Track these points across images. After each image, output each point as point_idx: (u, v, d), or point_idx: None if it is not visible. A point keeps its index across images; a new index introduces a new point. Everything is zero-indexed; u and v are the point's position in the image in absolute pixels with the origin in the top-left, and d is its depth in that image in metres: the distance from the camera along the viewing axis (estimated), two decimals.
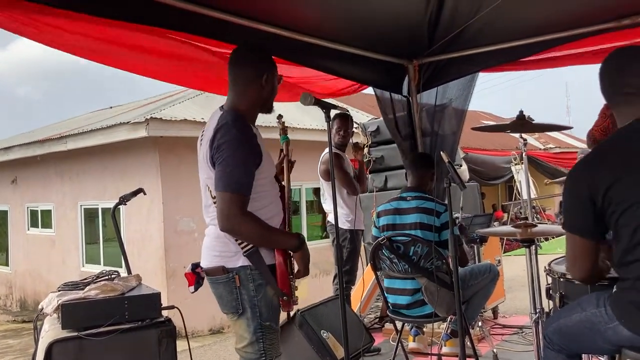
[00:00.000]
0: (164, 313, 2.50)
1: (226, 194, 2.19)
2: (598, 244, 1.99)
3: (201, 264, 2.41)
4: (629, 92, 1.98)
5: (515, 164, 9.84)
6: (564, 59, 4.38)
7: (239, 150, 2.21)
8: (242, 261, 2.29)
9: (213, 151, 2.24)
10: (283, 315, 2.86)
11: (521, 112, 2.64)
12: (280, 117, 2.77)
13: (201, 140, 2.40)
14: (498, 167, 12.86)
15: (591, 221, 1.95)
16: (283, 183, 2.57)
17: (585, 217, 1.96)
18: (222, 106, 2.42)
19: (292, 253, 2.40)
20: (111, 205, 3.52)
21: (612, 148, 2.00)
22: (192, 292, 2.47)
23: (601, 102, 3.90)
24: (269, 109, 2.48)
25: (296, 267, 2.44)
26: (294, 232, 2.46)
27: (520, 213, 3.11)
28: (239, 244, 2.28)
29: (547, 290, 2.46)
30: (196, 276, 2.44)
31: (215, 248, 2.34)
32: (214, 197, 2.31)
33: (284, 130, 2.75)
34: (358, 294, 4.89)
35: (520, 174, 7.09)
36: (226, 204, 2.19)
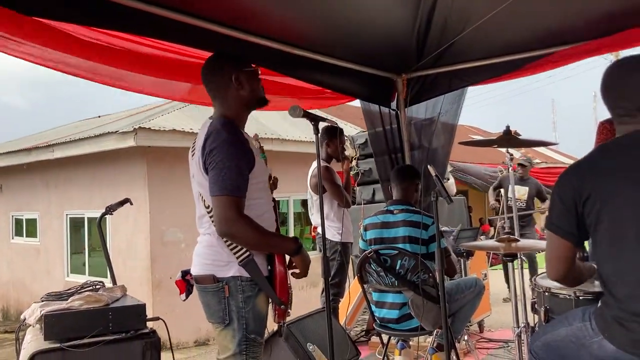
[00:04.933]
0: (149, 324, 2.48)
1: (222, 198, 2.18)
2: (577, 247, 2.01)
3: (191, 271, 2.40)
4: (620, 114, 2.01)
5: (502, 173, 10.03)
6: (549, 64, 4.41)
7: (231, 153, 2.22)
8: (233, 272, 2.28)
9: (205, 157, 2.24)
10: (272, 326, 2.84)
11: (508, 127, 2.66)
12: (256, 136, 2.78)
13: (192, 150, 2.40)
14: (484, 176, 13.02)
15: (573, 224, 1.97)
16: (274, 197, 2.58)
17: (568, 219, 1.98)
18: (211, 116, 2.43)
19: (291, 259, 2.40)
20: (97, 214, 3.48)
21: (604, 156, 2.01)
22: (184, 300, 2.46)
23: (586, 119, 3.99)
24: (260, 104, 2.49)
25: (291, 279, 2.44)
26: (291, 237, 2.46)
27: (504, 228, 3.13)
28: (234, 253, 2.27)
29: (532, 304, 2.47)
30: (186, 284, 2.44)
31: (207, 256, 2.33)
32: (207, 207, 2.30)
33: (261, 149, 2.74)
34: (345, 307, 4.88)
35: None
36: (222, 207, 2.18)
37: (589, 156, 2.04)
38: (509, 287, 6.92)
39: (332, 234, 4.49)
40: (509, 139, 2.63)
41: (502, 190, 7.47)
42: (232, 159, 2.21)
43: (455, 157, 12.19)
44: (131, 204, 3.40)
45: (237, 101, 2.41)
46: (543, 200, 7.36)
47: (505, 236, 2.37)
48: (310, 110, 2.50)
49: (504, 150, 3.13)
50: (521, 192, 7.22)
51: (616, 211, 1.89)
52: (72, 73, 3.08)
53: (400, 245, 3.37)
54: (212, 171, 2.21)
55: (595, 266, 2.15)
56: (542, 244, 2.63)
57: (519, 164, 7.42)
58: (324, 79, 4.34)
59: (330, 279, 3.86)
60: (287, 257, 2.44)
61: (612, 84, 2.07)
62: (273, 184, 2.69)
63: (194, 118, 8.83)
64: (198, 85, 3.70)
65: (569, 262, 2.02)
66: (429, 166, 2.67)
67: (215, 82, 2.42)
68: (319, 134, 2.58)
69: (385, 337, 3.75)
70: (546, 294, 2.32)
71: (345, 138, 5.67)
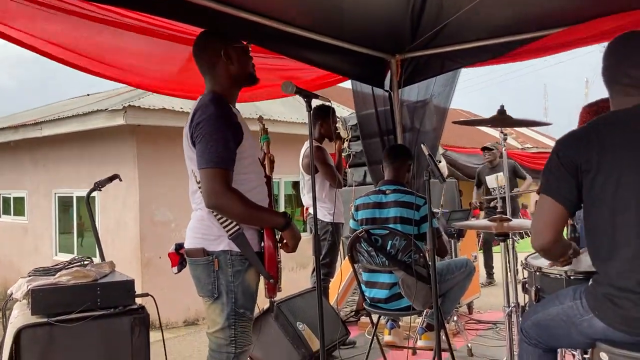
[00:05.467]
0: (138, 301, 2.46)
1: (209, 170, 2.18)
2: (569, 215, 1.97)
3: (184, 245, 2.40)
4: (627, 83, 1.96)
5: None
6: (545, 49, 4.39)
7: (217, 126, 2.21)
8: (223, 246, 2.28)
9: (192, 130, 2.24)
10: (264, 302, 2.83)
11: (502, 106, 2.64)
12: (261, 118, 2.81)
13: (185, 127, 2.39)
14: (473, 164, 13.02)
15: (573, 190, 1.93)
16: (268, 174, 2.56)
17: (568, 184, 1.94)
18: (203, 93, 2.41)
19: (281, 234, 2.39)
20: (86, 193, 3.44)
21: (608, 128, 1.95)
22: (176, 273, 2.46)
23: (578, 105, 4.00)
24: (249, 81, 2.49)
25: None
26: (280, 212, 2.45)
27: (496, 208, 3.11)
28: (224, 227, 2.27)
29: (523, 284, 2.47)
30: (179, 257, 2.43)
31: (198, 230, 2.34)
32: (198, 183, 2.30)
33: (264, 130, 2.76)
34: (335, 287, 4.88)
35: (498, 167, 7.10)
36: (210, 180, 2.18)
37: (593, 126, 1.99)
38: (488, 273, 6.95)
39: (324, 215, 4.47)
40: (503, 118, 2.61)
41: (482, 185, 7.33)
42: (218, 131, 2.21)
43: (447, 140, 12.20)
44: (120, 180, 3.36)
45: (227, 77, 2.41)
46: (522, 177, 7.17)
47: (497, 216, 2.36)
48: None
49: (496, 132, 3.09)
50: (499, 178, 7.00)
51: (617, 186, 1.86)
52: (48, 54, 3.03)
53: (391, 226, 3.36)
54: (198, 144, 2.21)
55: (577, 248, 2.15)
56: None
57: (483, 148, 7.21)
58: (317, 57, 4.29)
59: (320, 259, 3.86)
60: (278, 234, 2.43)
61: (625, 50, 2.01)
62: (271, 162, 2.66)
63: (184, 98, 8.73)
64: (184, 71, 3.70)
65: (559, 230, 1.98)
66: (422, 145, 2.65)
67: (206, 58, 2.42)
68: (312, 113, 2.55)
69: (375, 317, 3.76)
70: (537, 273, 2.32)
71: (337, 119, 5.63)
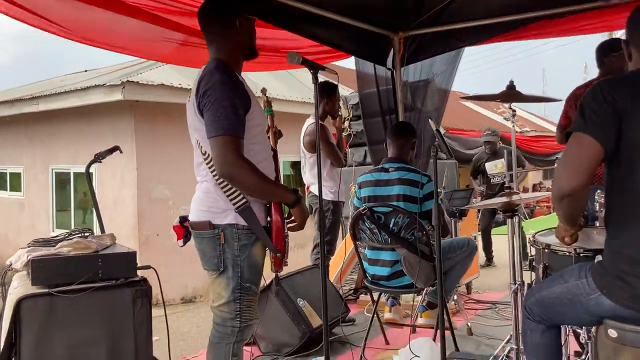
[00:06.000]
0: (139, 273, 2.43)
1: (219, 138, 2.13)
2: (603, 154, 1.82)
3: (189, 218, 2.37)
4: None
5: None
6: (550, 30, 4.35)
7: (225, 92, 2.16)
8: (229, 219, 2.25)
9: (199, 99, 2.18)
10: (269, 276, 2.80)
11: (511, 82, 2.60)
12: (264, 90, 2.76)
13: (189, 96, 2.34)
14: (474, 145, 12.95)
15: (614, 130, 1.80)
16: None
17: (610, 122, 1.80)
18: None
19: (290, 210, 2.36)
20: (84, 169, 3.38)
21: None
22: (181, 246, 2.42)
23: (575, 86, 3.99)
24: (252, 53, 2.44)
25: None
26: (291, 188, 2.41)
27: (504, 184, 3.07)
28: (231, 200, 2.22)
29: (530, 261, 2.45)
30: (184, 230, 2.40)
31: (204, 203, 2.29)
32: (204, 154, 2.25)
33: (268, 103, 2.71)
34: (335, 265, 4.87)
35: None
36: (221, 148, 2.13)
37: (629, 79, 1.92)
38: (487, 258, 6.93)
39: (325, 193, 4.42)
40: (511, 94, 2.57)
41: (481, 174, 7.20)
42: (227, 98, 2.15)
43: (447, 122, 12.14)
44: (121, 152, 3.32)
45: (236, 46, 2.36)
46: (521, 165, 7.09)
47: (506, 190, 2.33)
48: None
49: (498, 115, 3.05)
50: (498, 165, 6.83)
51: None
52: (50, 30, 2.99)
53: (394, 203, 3.34)
54: (207, 112, 2.16)
55: (582, 221, 2.10)
56: (543, 194, 2.58)
57: (486, 142, 7.05)
58: (319, 33, 4.23)
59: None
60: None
61: None
62: (275, 135, 2.62)
63: (183, 74, 8.63)
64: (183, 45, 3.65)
65: (592, 174, 1.83)
66: (430, 120, 2.61)
67: (217, 24, 2.35)
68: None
69: (375, 295, 3.76)
70: (546, 250, 2.29)
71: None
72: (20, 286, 2.29)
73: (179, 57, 4.04)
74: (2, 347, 2.16)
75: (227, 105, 2.14)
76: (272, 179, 2.37)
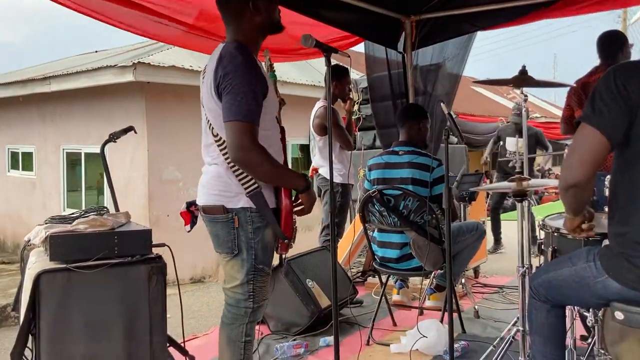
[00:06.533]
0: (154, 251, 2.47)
1: (237, 124, 2.12)
2: (609, 147, 1.83)
3: (197, 202, 2.38)
4: None
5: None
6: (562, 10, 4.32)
7: (246, 78, 2.15)
8: (242, 203, 2.26)
9: (219, 80, 2.16)
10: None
11: (524, 67, 2.60)
12: (267, 52, 2.63)
13: (203, 75, 2.33)
14: (486, 130, 12.89)
15: (622, 122, 1.79)
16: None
17: (619, 114, 1.79)
18: (224, 40, 2.35)
19: (298, 195, 2.38)
20: (95, 150, 3.42)
21: None
22: (188, 231, 2.45)
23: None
24: (274, 28, 2.39)
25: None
26: (301, 173, 2.43)
27: (514, 168, 3.06)
28: (242, 184, 2.23)
29: (539, 245, 2.48)
30: (191, 215, 2.42)
31: (215, 187, 2.29)
32: (215, 136, 2.25)
33: (271, 67, 2.61)
34: (343, 248, 4.92)
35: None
36: (238, 134, 2.12)
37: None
38: (496, 240, 6.91)
39: (334, 176, 4.46)
40: (524, 78, 2.57)
41: (501, 142, 7.19)
42: (248, 84, 2.14)
43: (457, 107, 12.10)
44: (135, 132, 3.35)
45: (252, 27, 2.32)
46: (545, 148, 7.07)
47: (516, 175, 2.35)
48: None
49: (509, 101, 3.05)
50: (520, 143, 6.92)
51: None
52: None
53: (403, 186, 3.36)
54: (226, 96, 2.14)
55: (592, 211, 2.12)
56: (553, 182, 2.60)
57: (515, 114, 6.99)
58: (331, 15, 4.24)
59: (329, 219, 3.87)
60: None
61: None
62: (280, 102, 2.60)
63: (195, 56, 8.63)
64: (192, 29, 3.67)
65: (597, 167, 1.85)
66: (441, 103, 2.63)
67: (232, 7, 2.32)
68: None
69: (384, 277, 3.80)
70: (555, 234, 2.31)
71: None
72: (38, 261, 2.35)
73: (185, 42, 4.07)
74: (22, 320, 2.22)
75: (248, 91, 2.13)
76: (281, 161, 2.37)
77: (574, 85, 3.98)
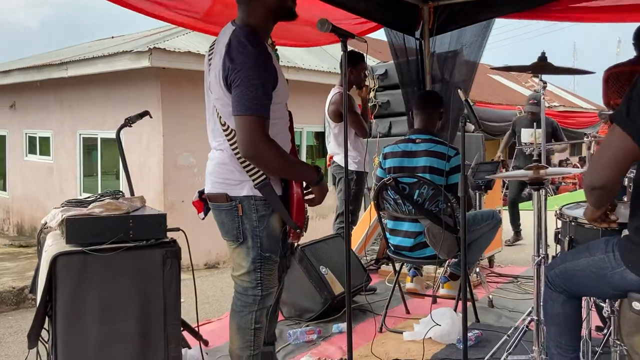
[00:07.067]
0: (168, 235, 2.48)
1: (248, 118, 2.09)
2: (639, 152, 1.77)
3: (205, 190, 2.38)
4: None
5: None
6: (584, 13, 4.26)
7: (257, 70, 2.11)
8: (246, 191, 2.24)
9: (227, 71, 2.12)
10: None
11: (543, 53, 2.56)
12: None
13: (210, 57, 2.29)
14: (504, 118, 12.71)
15: None
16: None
17: None
18: (234, 20, 2.30)
19: (311, 188, 2.36)
20: (110, 135, 3.43)
21: None
22: (202, 219, 2.45)
23: (608, 65, 3.91)
24: (286, 17, 2.33)
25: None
26: (313, 166, 2.40)
27: (532, 155, 2.98)
28: (249, 175, 2.22)
29: (556, 234, 2.45)
30: (204, 203, 2.42)
31: (219, 174, 2.29)
32: (223, 125, 2.23)
33: (272, 45, 2.55)
34: (357, 236, 4.91)
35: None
36: (248, 128, 2.09)
37: None
38: (514, 229, 6.79)
39: (349, 163, 4.43)
40: (543, 65, 2.53)
41: (517, 135, 7.02)
42: (259, 76, 2.11)
43: (475, 95, 11.98)
44: (150, 117, 3.36)
45: (264, 10, 2.26)
46: (559, 139, 6.93)
47: (533, 164, 2.32)
48: None
49: (535, 80, 3.00)
50: (536, 134, 6.74)
51: None
52: None
53: (419, 175, 3.34)
54: (236, 88, 2.10)
55: (614, 202, 2.08)
56: (572, 170, 2.56)
57: (527, 112, 6.76)
58: (348, 1, 4.19)
59: (343, 206, 3.86)
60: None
61: None
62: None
63: (210, 41, 8.63)
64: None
65: (625, 170, 1.83)
66: (458, 90, 2.59)
67: None
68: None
69: (397, 265, 3.79)
70: (572, 223, 2.28)
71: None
72: (54, 244, 2.37)
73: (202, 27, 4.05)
74: (38, 302, 2.25)
75: (259, 85, 2.10)
76: (289, 150, 2.34)
77: (608, 73, 3.90)
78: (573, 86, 25.31)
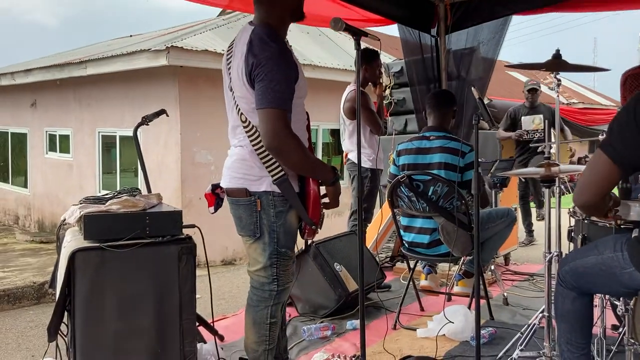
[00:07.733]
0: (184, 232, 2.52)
1: (272, 111, 2.14)
2: (620, 175, 1.86)
3: (222, 184, 2.41)
4: None
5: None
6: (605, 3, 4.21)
7: (280, 65, 2.15)
8: (265, 186, 2.28)
9: (251, 67, 2.17)
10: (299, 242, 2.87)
11: (557, 50, 2.55)
12: None
13: (229, 58, 2.34)
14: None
15: (636, 150, 1.80)
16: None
17: (633, 142, 1.79)
18: (251, 21, 2.35)
19: (325, 188, 2.38)
20: (129, 133, 3.48)
21: None
22: (212, 213, 2.48)
23: (629, 61, 3.84)
24: (299, 16, 2.40)
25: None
26: (330, 166, 2.43)
27: (543, 153, 2.92)
28: (270, 171, 2.25)
29: (569, 232, 2.44)
30: (216, 197, 2.45)
31: (239, 170, 2.32)
32: (244, 122, 2.26)
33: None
34: (372, 233, 4.92)
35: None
36: (272, 120, 2.14)
37: None
38: (528, 231, 6.67)
39: (363, 160, 4.45)
40: (558, 62, 2.52)
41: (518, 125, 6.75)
42: (282, 70, 2.15)
43: (491, 92, 11.88)
44: (167, 115, 3.40)
45: (283, 9, 2.32)
46: (561, 127, 6.65)
47: (544, 161, 2.31)
48: None
49: (552, 77, 2.98)
50: (536, 120, 6.38)
51: None
52: None
53: (434, 172, 3.34)
54: (260, 83, 2.15)
55: (617, 198, 2.07)
56: (580, 167, 2.55)
57: (530, 90, 6.52)
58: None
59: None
60: None
61: None
62: None
63: (226, 39, 8.69)
64: None
65: (605, 192, 1.88)
66: (472, 87, 2.59)
67: None
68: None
69: (412, 263, 3.80)
70: (585, 221, 2.28)
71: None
72: (73, 240, 2.42)
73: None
74: (57, 296, 2.30)
75: (282, 79, 2.14)
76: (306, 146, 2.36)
77: (625, 75, 3.85)
78: (593, 83, 25.00)
